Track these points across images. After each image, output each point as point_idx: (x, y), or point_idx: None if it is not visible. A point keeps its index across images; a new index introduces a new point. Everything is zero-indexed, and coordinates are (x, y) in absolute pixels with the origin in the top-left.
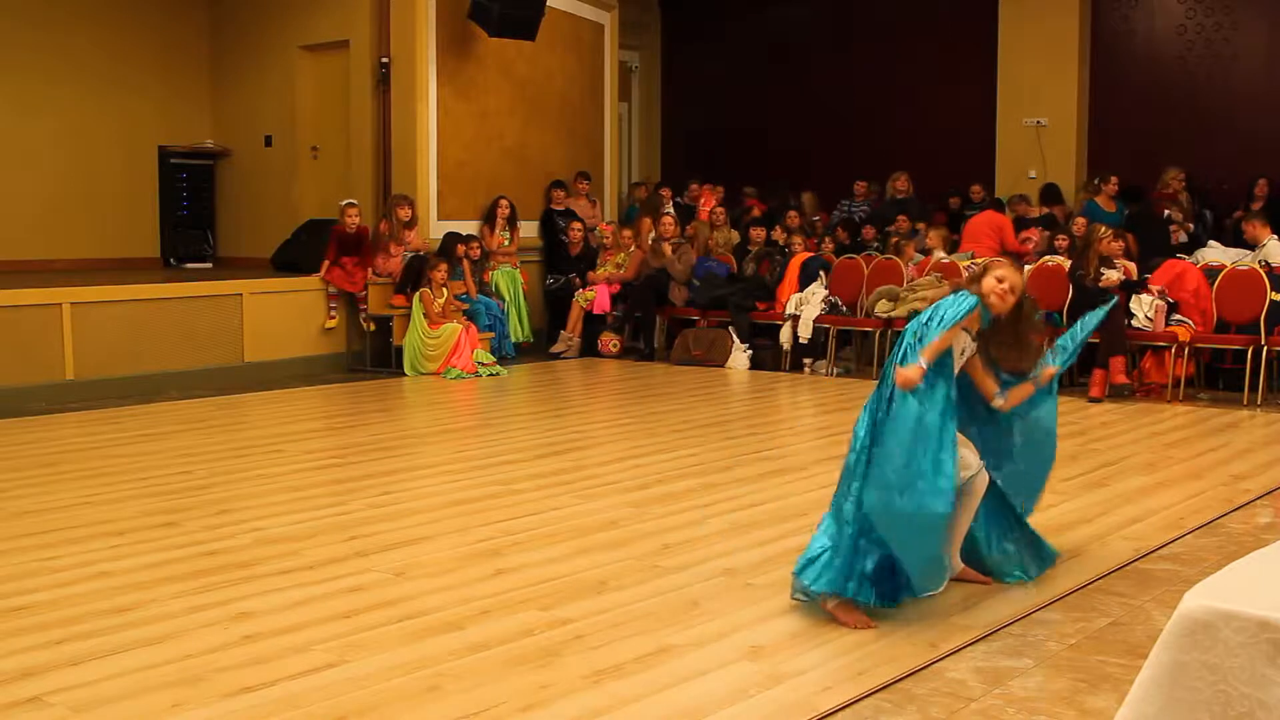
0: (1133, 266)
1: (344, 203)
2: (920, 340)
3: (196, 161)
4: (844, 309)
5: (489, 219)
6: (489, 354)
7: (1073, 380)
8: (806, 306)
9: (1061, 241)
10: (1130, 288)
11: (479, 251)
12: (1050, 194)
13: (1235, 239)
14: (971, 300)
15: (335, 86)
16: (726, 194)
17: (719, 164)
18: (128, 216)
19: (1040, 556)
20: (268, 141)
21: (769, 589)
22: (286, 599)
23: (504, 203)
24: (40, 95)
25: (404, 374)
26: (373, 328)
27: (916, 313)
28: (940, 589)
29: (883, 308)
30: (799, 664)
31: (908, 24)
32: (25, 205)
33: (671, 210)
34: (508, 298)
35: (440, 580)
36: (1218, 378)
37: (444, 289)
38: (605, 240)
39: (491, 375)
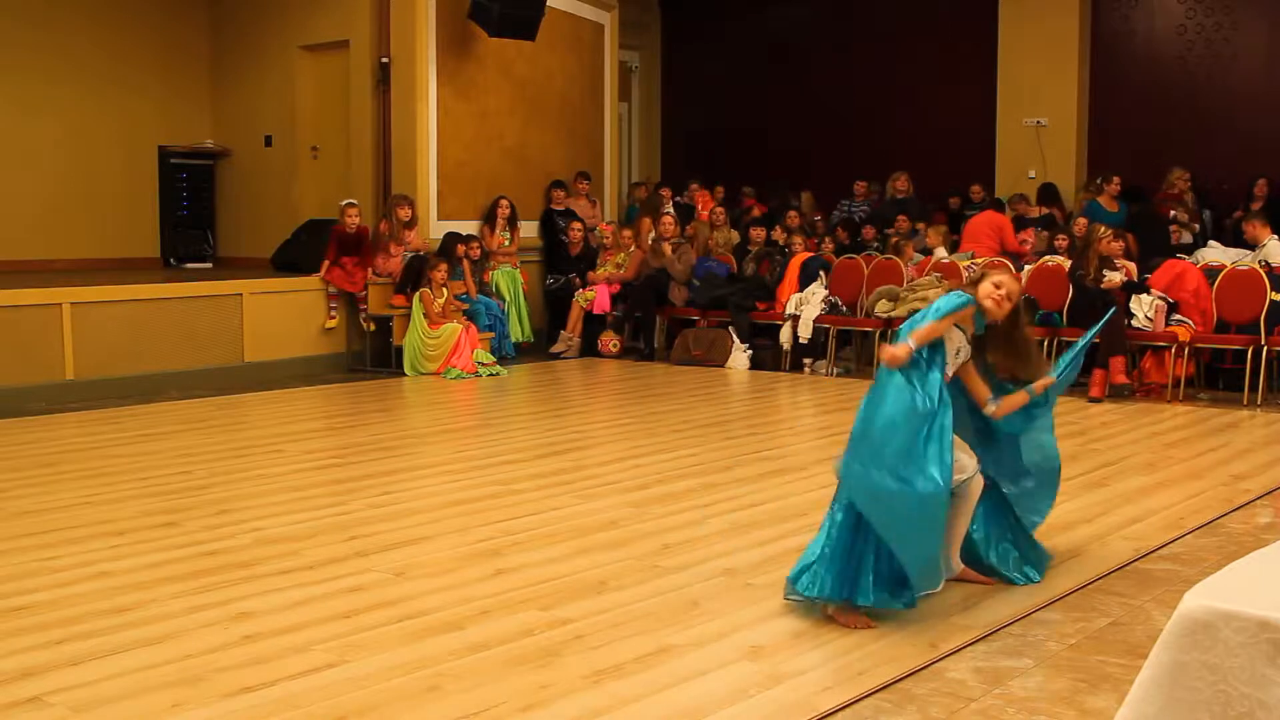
0: (1133, 266)
1: (344, 203)
2: None
3: (196, 161)
4: (844, 309)
5: (489, 219)
6: (489, 354)
7: (1073, 380)
8: (806, 306)
9: (1061, 241)
10: (1130, 288)
11: (479, 251)
12: (1048, 194)
13: (1235, 239)
14: (966, 298)
15: (335, 86)
16: (726, 194)
17: (719, 164)
18: (128, 216)
19: (1038, 558)
20: (268, 141)
21: (769, 589)
22: (286, 599)
23: (504, 203)
24: (40, 95)
25: (404, 374)
26: (373, 328)
27: (916, 313)
28: (938, 589)
29: (883, 308)
30: (799, 664)
31: (908, 24)
32: (25, 205)
33: (671, 210)
34: (508, 298)
35: (440, 580)
36: (1218, 378)
37: (444, 289)
38: (605, 240)
39: (491, 375)
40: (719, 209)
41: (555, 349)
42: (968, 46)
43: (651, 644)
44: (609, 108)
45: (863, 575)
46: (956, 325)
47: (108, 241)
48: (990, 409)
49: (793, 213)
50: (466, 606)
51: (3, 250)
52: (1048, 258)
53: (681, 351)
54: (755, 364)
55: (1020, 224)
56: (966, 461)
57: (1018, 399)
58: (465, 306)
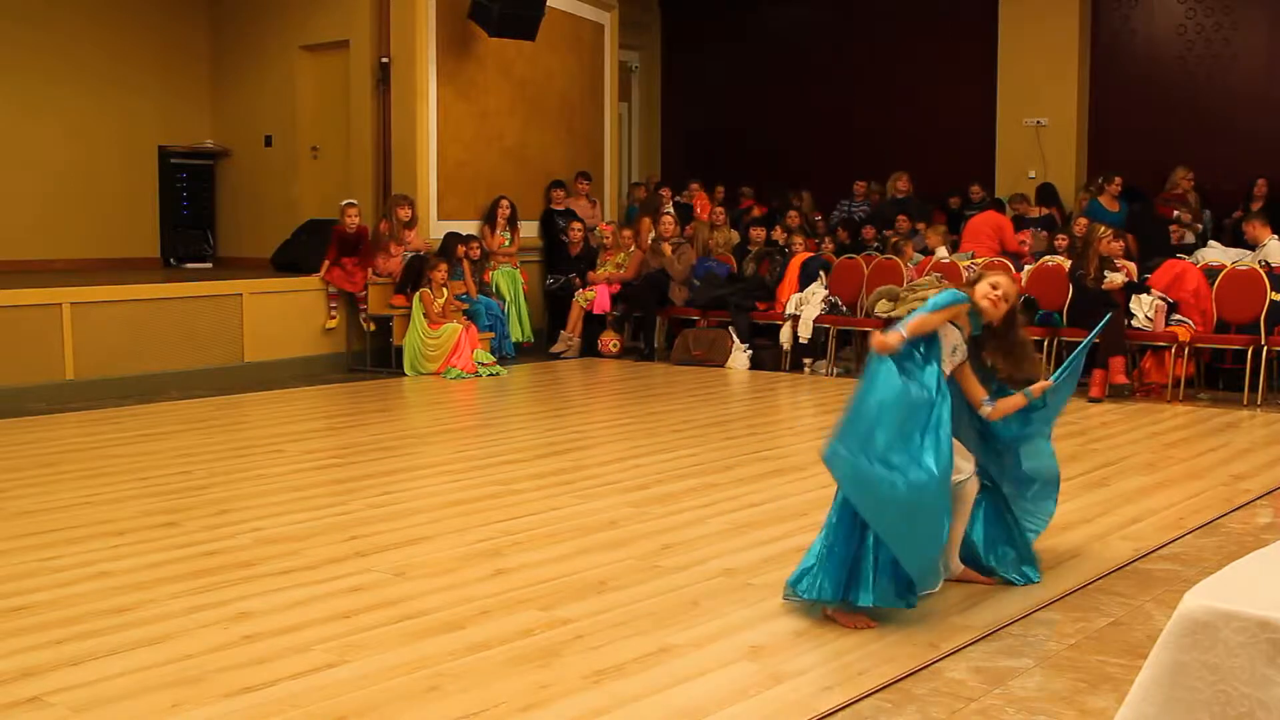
0: (1133, 266)
1: (344, 203)
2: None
3: (196, 161)
4: (844, 309)
5: (489, 219)
6: (489, 354)
7: (1074, 389)
8: (806, 306)
9: (1061, 241)
10: (1130, 288)
11: (479, 251)
12: (1046, 194)
13: (1235, 239)
14: (961, 295)
15: (335, 86)
16: (726, 194)
17: (719, 164)
18: (128, 216)
19: (1037, 559)
20: (268, 141)
21: (769, 589)
22: (286, 599)
23: (504, 203)
24: (41, 95)
25: (404, 374)
26: (373, 328)
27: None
28: (936, 589)
29: (883, 308)
30: (799, 664)
31: (908, 24)
32: (25, 205)
33: (671, 210)
34: (508, 298)
35: (440, 580)
36: (1218, 378)
37: (444, 289)
38: (605, 240)
39: (491, 375)
40: (719, 209)
41: (555, 349)
42: (968, 46)
43: (651, 644)
44: (609, 108)
45: (862, 576)
46: (953, 324)
47: (108, 241)
48: (986, 410)
49: (793, 213)
50: (466, 606)
51: (3, 250)
52: (1048, 258)
53: (681, 351)
54: (755, 364)
55: (1020, 224)
56: (962, 464)
57: (1015, 401)
58: (465, 306)
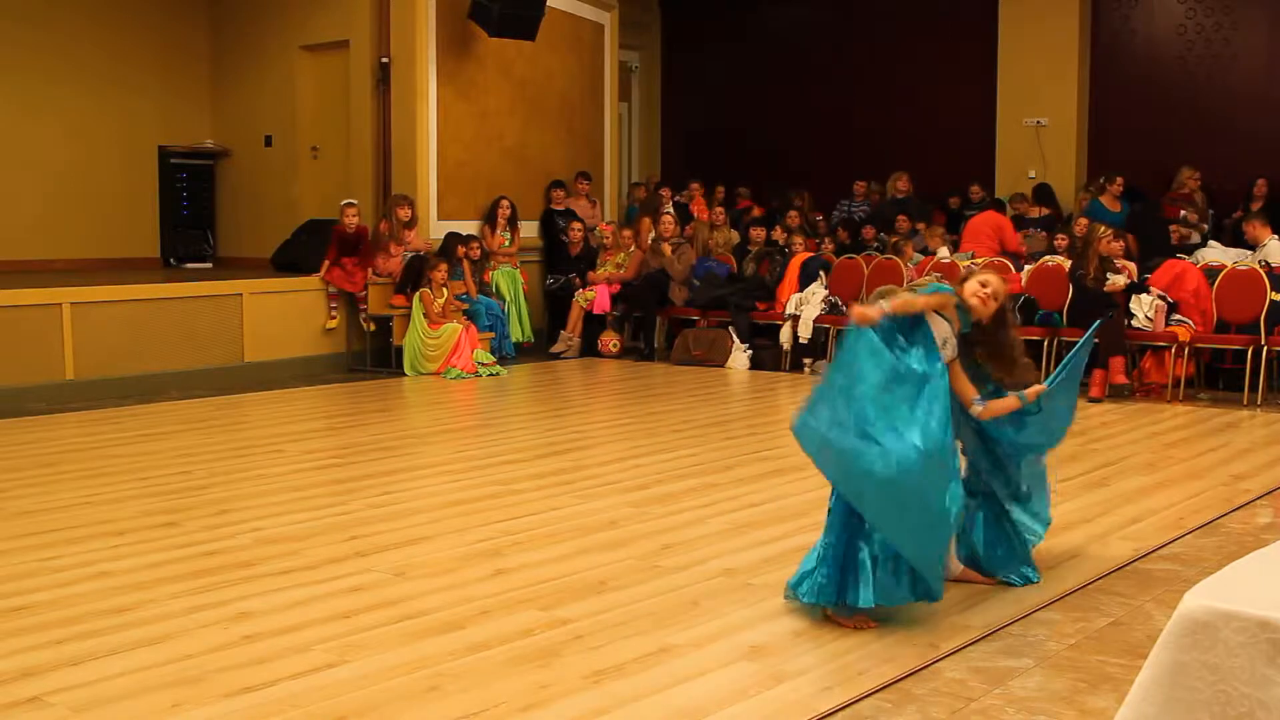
0: (1133, 266)
1: (343, 203)
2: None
3: (196, 161)
4: (844, 309)
5: (490, 219)
6: (489, 354)
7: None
8: (806, 306)
9: (1061, 241)
10: (1130, 288)
11: (479, 252)
12: (1043, 194)
13: (1235, 239)
14: (948, 288)
15: (335, 86)
16: (726, 194)
17: (719, 164)
18: (128, 216)
19: (1033, 561)
20: (268, 141)
21: (769, 589)
22: (286, 599)
23: (505, 203)
24: (41, 95)
25: (404, 374)
26: (373, 328)
27: None
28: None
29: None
30: (799, 664)
31: (908, 24)
32: (25, 205)
33: (671, 210)
34: (508, 298)
35: (440, 580)
36: (1218, 378)
37: (444, 289)
38: (605, 240)
39: (491, 375)
40: (719, 209)
41: (555, 349)
42: (968, 46)
43: (651, 644)
44: (609, 108)
45: (859, 575)
46: (943, 317)
47: (108, 241)
48: (976, 410)
49: (793, 213)
50: (466, 606)
51: (3, 250)
52: (1047, 258)
53: (681, 351)
54: (755, 364)
55: (1020, 224)
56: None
57: (1008, 403)
58: (465, 306)
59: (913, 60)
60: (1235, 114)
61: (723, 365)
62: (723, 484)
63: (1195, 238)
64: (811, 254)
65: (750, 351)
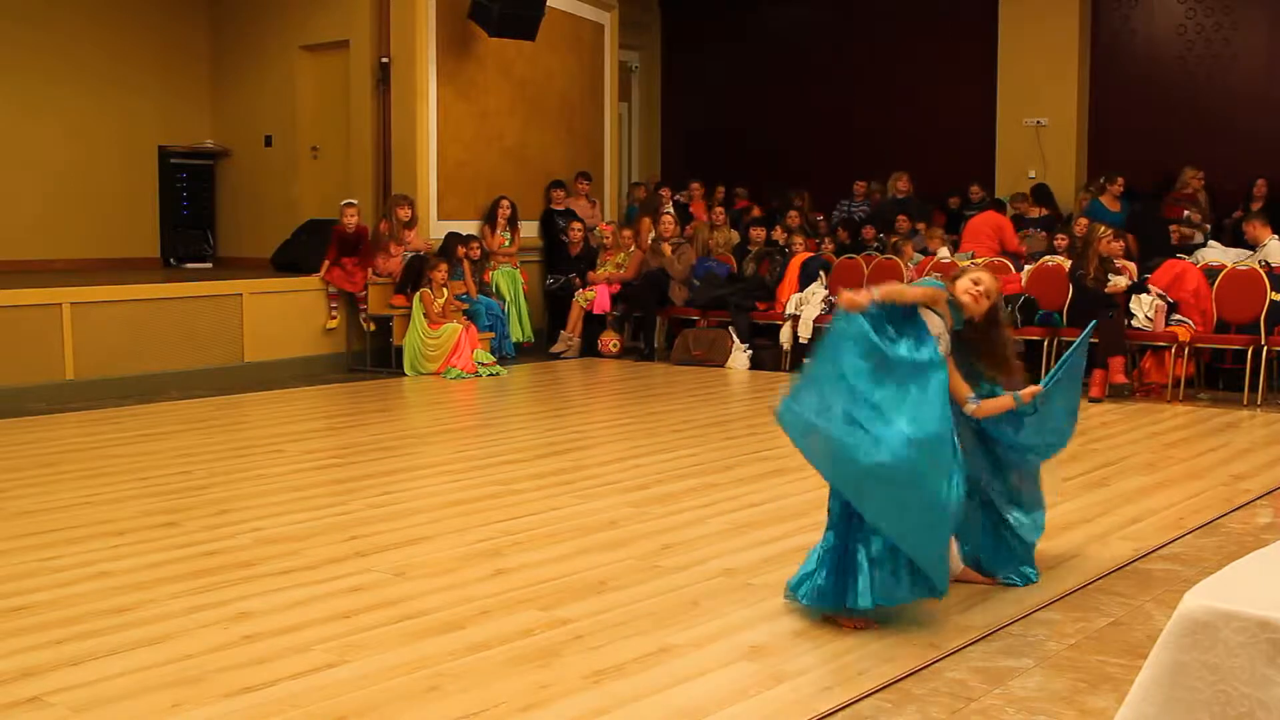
0: (1132, 266)
1: (343, 202)
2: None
3: (196, 161)
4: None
5: (490, 219)
6: (489, 354)
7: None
8: (806, 306)
9: (1061, 241)
10: (1131, 288)
11: (479, 252)
12: (1040, 195)
13: (1235, 239)
14: (939, 283)
15: (335, 86)
16: (726, 194)
17: (719, 164)
18: (128, 216)
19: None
20: (268, 141)
21: (769, 589)
22: (286, 599)
23: (505, 203)
24: (41, 95)
25: (404, 374)
26: (373, 328)
27: None
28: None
29: None
30: (799, 664)
31: (908, 24)
32: (25, 205)
33: (671, 210)
34: (508, 298)
35: (440, 580)
36: (1218, 378)
37: (444, 289)
38: (605, 240)
39: (491, 375)
40: (718, 209)
41: (555, 349)
42: (968, 46)
43: (651, 644)
44: (609, 108)
45: (859, 578)
46: (935, 312)
47: (108, 241)
48: (970, 408)
49: (793, 213)
50: (466, 606)
51: (3, 250)
52: (1047, 258)
53: (681, 351)
54: (755, 364)
55: (1020, 224)
56: None
57: (1002, 403)
58: (465, 306)
59: (913, 60)
60: (1235, 114)
61: (723, 365)
62: (723, 484)
63: (1199, 238)
64: (811, 254)
65: (750, 351)
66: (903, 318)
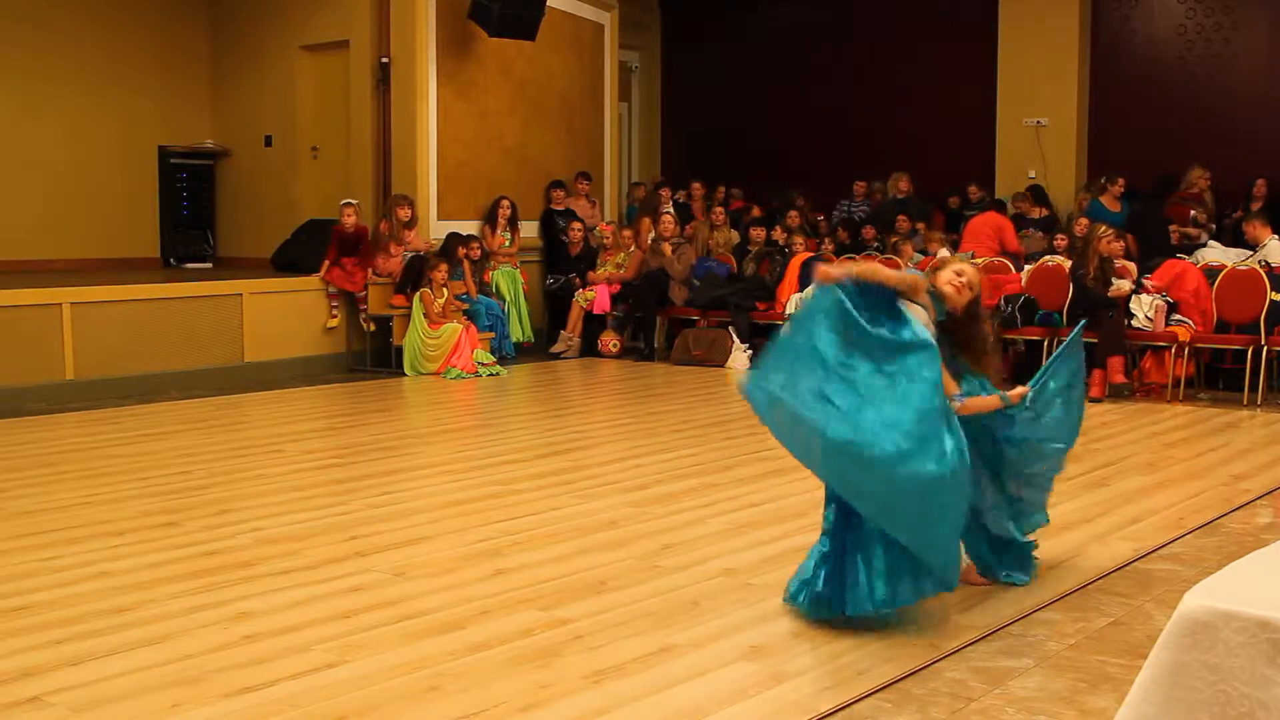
0: (1132, 266)
1: (342, 202)
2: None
3: (196, 161)
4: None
5: (490, 219)
6: (489, 354)
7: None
8: None
9: (1061, 241)
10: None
11: (479, 252)
12: (1037, 196)
13: (1235, 239)
14: (920, 273)
15: (335, 86)
16: (725, 194)
17: (719, 164)
18: (128, 216)
19: (1024, 562)
20: (268, 141)
21: (769, 589)
22: (286, 599)
23: (505, 204)
24: (40, 95)
25: (404, 374)
26: (373, 328)
27: None
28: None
29: None
30: (799, 664)
31: (908, 24)
32: (25, 205)
33: (671, 210)
34: (508, 298)
35: (440, 580)
36: (1218, 378)
37: (444, 289)
38: (605, 240)
39: (491, 375)
40: (718, 209)
41: (555, 349)
42: (968, 46)
43: (651, 644)
44: (609, 108)
45: (857, 585)
46: (917, 304)
47: (108, 241)
48: (954, 405)
49: (793, 212)
50: (466, 606)
51: (3, 250)
52: (1048, 258)
53: (681, 351)
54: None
55: (1021, 223)
56: None
57: (987, 402)
58: (465, 306)
59: (913, 60)
60: (1235, 114)
61: (723, 365)
62: (723, 484)
63: (1204, 238)
64: (812, 254)
65: (750, 351)
66: (884, 309)
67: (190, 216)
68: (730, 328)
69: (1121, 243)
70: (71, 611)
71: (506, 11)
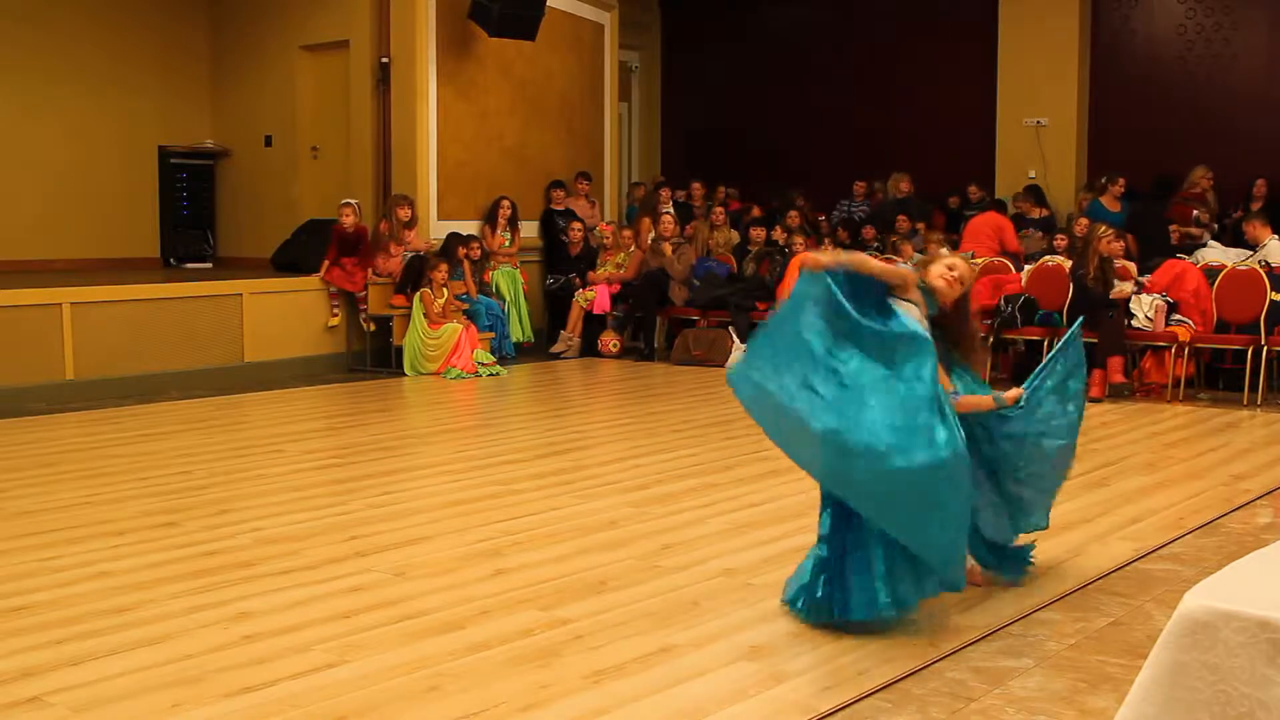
0: (1132, 266)
1: (341, 202)
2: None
3: (196, 161)
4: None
5: (490, 219)
6: (489, 354)
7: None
8: None
9: (1061, 241)
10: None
11: (479, 252)
12: (1036, 195)
13: (1235, 239)
14: (910, 267)
15: (335, 86)
16: (725, 194)
17: (719, 164)
18: (128, 216)
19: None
20: (268, 141)
21: (769, 589)
22: (286, 599)
23: (505, 204)
24: (41, 95)
25: (404, 374)
26: (373, 328)
27: None
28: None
29: None
30: (799, 664)
31: (908, 24)
32: (25, 205)
33: (671, 210)
34: (508, 298)
35: (440, 580)
36: (1218, 378)
37: (444, 289)
38: (605, 240)
39: (491, 375)
40: (718, 209)
41: (555, 349)
42: (968, 46)
43: (651, 644)
44: (609, 108)
45: (855, 590)
46: (909, 301)
47: (108, 241)
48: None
49: (793, 212)
50: (466, 606)
51: (3, 250)
52: (1048, 258)
53: (681, 351)
54: None
55: (1020, 223)
56: None
57: (981, 401)
58: (465, 306)
59: (913, 60)
60: (1235, 114)
61: (723, 365)
62: (723, 484)
63: (1206, 238)
64: None
65: None
66: (873, 303)
67: (190, 216)
68: (730, 328)
69: (1121, 243)
70: (71, 611)
71: (506, 11)
